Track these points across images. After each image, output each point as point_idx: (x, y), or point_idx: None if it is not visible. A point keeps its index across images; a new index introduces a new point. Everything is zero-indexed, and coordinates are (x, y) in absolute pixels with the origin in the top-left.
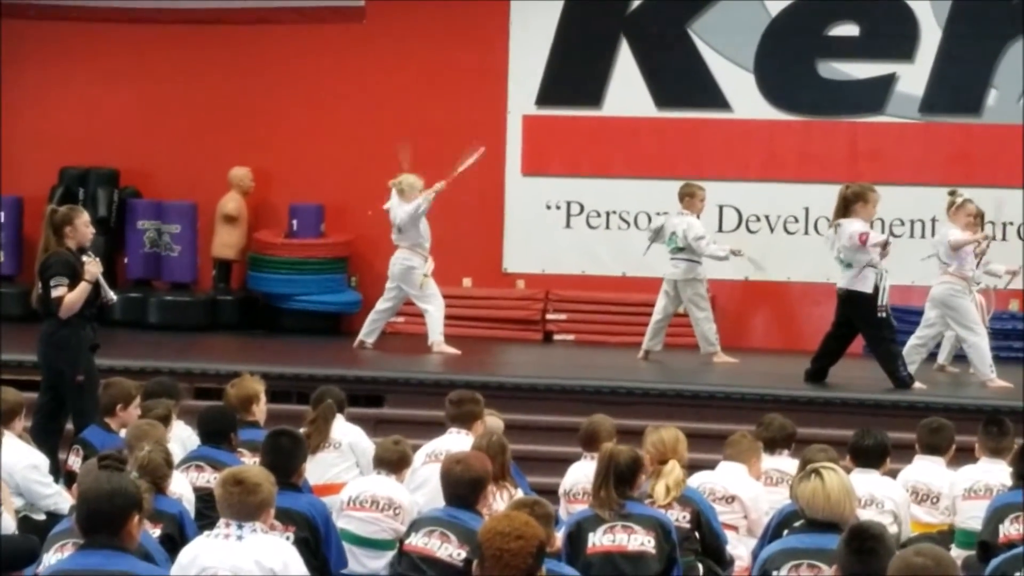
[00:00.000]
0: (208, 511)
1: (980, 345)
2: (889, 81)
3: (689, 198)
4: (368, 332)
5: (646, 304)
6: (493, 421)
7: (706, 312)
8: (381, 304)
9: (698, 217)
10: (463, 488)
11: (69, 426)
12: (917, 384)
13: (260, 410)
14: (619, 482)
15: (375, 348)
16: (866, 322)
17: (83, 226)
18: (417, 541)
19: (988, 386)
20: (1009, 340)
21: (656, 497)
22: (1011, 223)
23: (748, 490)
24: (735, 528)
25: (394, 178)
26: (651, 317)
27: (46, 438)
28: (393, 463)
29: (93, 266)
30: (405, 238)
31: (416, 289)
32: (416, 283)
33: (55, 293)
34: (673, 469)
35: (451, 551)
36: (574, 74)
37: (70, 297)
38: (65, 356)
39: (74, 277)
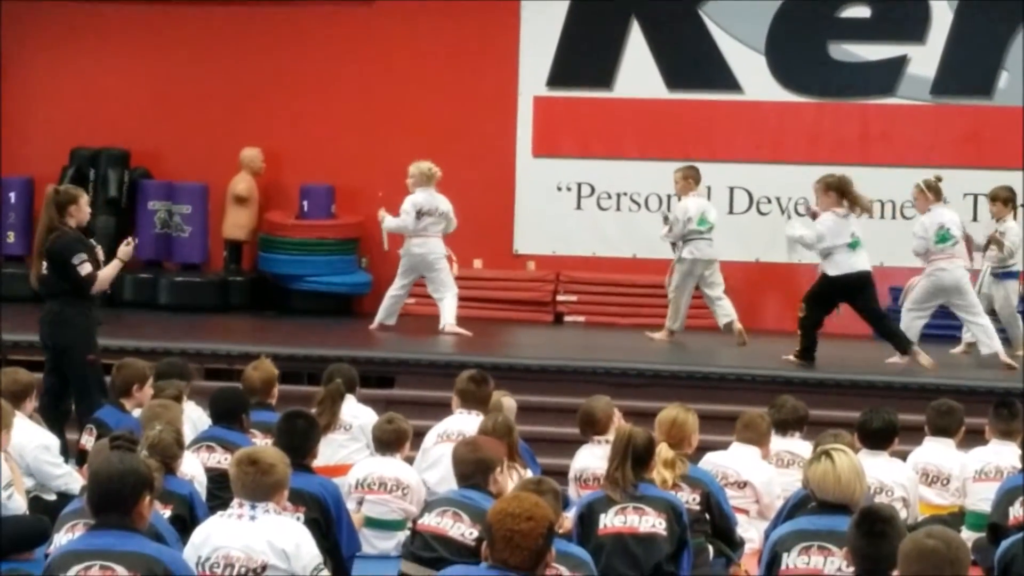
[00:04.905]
0: (219, 492)
1: (988, 323)
2: (900, 63)
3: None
4: (389, 315)
5: (656, 286)
6: (507, 402)
7: (679, 291)
8: (396, 290)
9: (680, 199)
10: (468, 468)
11: None
12: (924, 358)
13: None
14: (635, 463)
15: (387, 329)
16: (873, 299)
17: (85, 206)
18: (430, 521)
19: (1001, 359)
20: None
21: (658, 483)
22: (1022, 205)
23: (761, 475)
24: (745, 512)
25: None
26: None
27: (54, 419)
28: (391, 443)
29: (131, 250)
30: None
31: (435, 272)
32: (435, 266)
33: (84, 271)
34: (660, 451)
35: (463, 530)
36: (585, 55)
37: (104, 275)
38: (74, 335)
39: (88, 255)
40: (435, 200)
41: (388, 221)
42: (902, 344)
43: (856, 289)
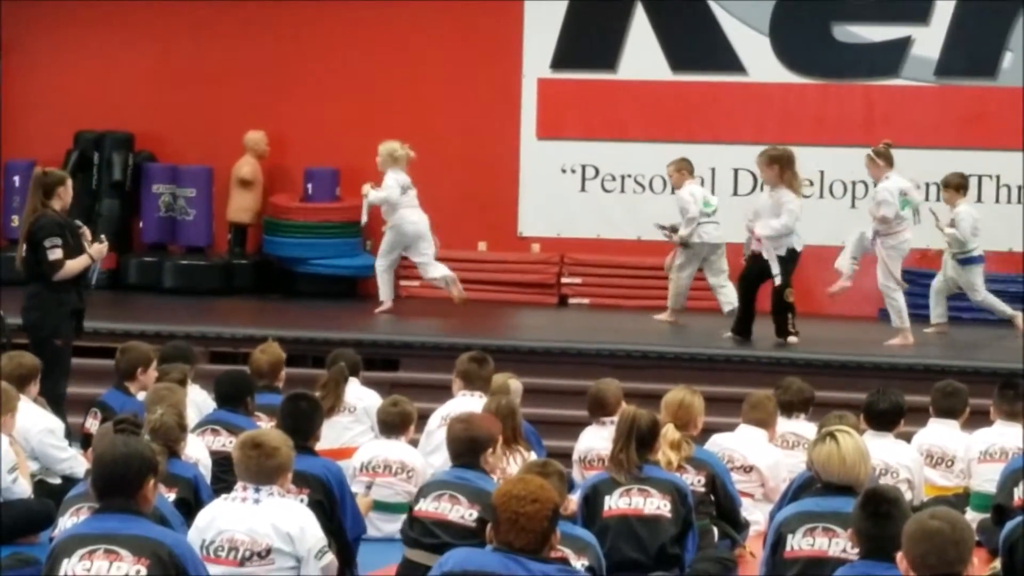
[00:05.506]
0: (224, 475)
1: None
2: (904, 44)
3: None
4: (392, 291)
5: (661, 268)
6: (514, 384)
7: (681, 270)
8: (388, 265)
9: (674, 189)
10: (463, 446)
11: (82, 390)
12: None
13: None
14: (639, 445)
15: (391, 312)
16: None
17: (71, 188)
18: (427, 506)
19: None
20: (1012, 302)
21: (663, 464)
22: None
23: (767, 458)
24: (751, 495)
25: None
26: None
27: (51, 402)
28: (396, 425)
29: (103, 249)
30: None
31: (425, 242)
32: (427, 237)
33: (53, 255)
34: (666, 433)
35: (462, 512)
36: (589, 37)
37: (71, 264)
38: (44, 318)
39: (65, 240)
40: (405, 177)
41: (373, 194)
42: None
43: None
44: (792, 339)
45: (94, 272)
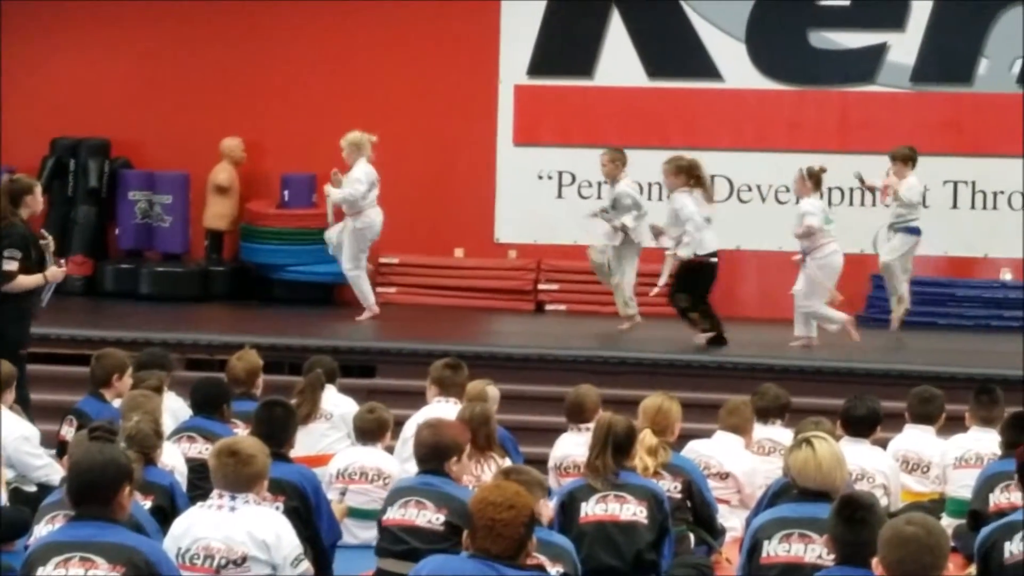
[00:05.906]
0: (200, 482)
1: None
2: (880, 50)
3: None
4: (371, 298)
5: (638, 274)
6: (492, 391)
7: (623, 274)
8: (364, 270)
9: (612, 183)
10: (428, 452)
11: (57, 397)
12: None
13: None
14: (616, 451)
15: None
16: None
17: (40, 195)
18: (394, 514)
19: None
20: (1000, 309)
21: (639, 470)
22: (1001, 192)
23: (743, 465)
24: (727, 501)
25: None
26: None
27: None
28: (373, 432)
29: (60, 274)
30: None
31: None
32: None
33: (7, 266)
34: (644, 438)
35: (429, 517)
36: (566, 44)
37: (23, 280)
38: (8, 327)
39: (27, 253)
40: (374, 171)
41: (336, 193)
42: (721, 334)
43: (715, 268)
44: (701, 337)
45: (47, 293)
